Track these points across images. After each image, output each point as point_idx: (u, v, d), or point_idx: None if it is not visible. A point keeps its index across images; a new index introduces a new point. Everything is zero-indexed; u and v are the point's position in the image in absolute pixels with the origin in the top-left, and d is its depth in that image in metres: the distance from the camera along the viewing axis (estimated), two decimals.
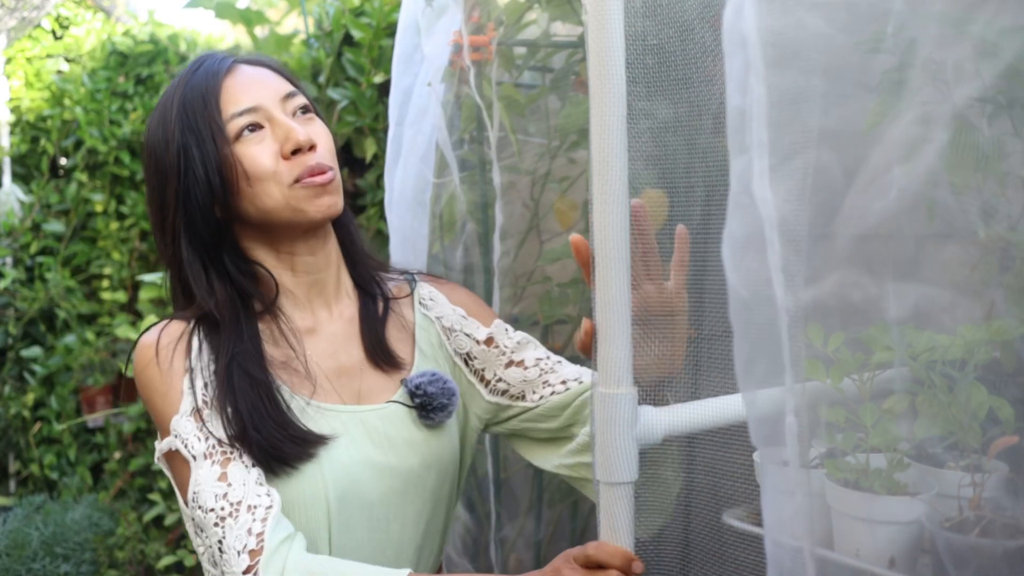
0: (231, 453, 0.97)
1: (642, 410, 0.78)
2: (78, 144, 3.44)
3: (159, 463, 1.03)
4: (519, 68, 1.63)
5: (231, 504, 0.94)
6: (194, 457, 0.97)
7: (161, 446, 1.01)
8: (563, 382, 1.12)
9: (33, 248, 3.35)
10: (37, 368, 3.24)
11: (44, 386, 3.30)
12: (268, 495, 0.96)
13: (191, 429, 0.98)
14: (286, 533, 0.94)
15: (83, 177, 3.39)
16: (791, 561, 0.67)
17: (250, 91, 1.05)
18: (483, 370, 1.17)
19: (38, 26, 3.61)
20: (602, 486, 0.79)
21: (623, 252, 0.76)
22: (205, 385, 1.01)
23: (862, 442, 0.76)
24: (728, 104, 0.68)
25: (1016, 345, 0.71)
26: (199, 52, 3.45)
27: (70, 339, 3.23)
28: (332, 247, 1.12)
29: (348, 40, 2.25)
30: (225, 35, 3.84)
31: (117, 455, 3.13)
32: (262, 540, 0.92)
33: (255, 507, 0.94)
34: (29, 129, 3.55)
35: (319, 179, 1.03)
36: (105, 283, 3.40)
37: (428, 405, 1.08)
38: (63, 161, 3.51)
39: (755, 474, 0.77)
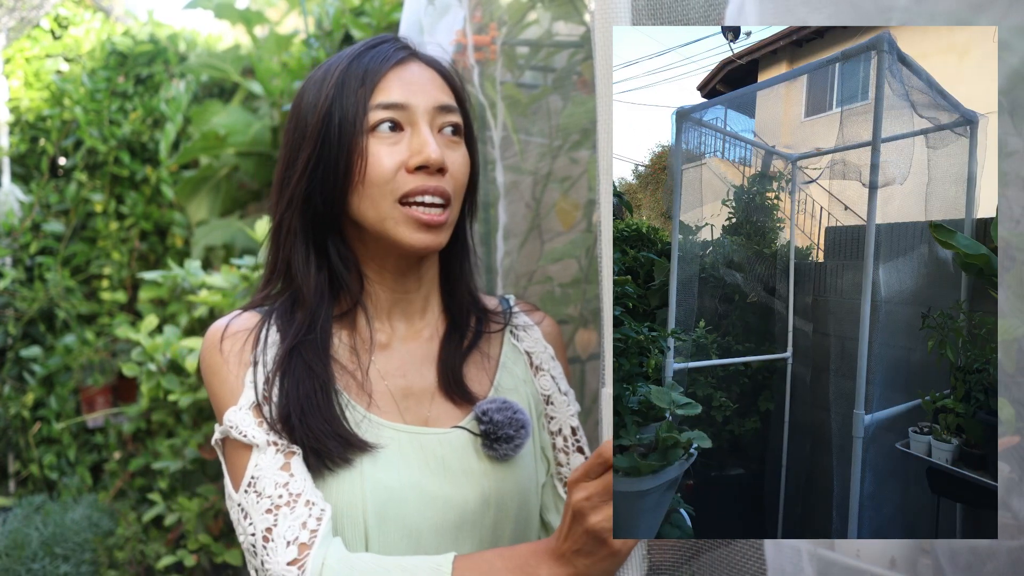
0: (296, 448, 0.95)
1: None
2: (78, 144, 3.44)
3: (215, 446, 1.02)
4: (520, 68, 1.63)
5: (291, 494, 0.92)
6: (257, 445, 0.95)
7: (217, 433, 1.00)
8: None
9: (33, 248, 3.35)
10: (37, 368, 3.23)
11: (44, 386, 3.30)
12: (324, 499, 0.94)
13: (249, 421, 0.96)
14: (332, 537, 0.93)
15: (83, 177, 3.39)
16: (791, 563, 0.67)
17: (408, 88, 1.00)
18: (551, 420, 1.12)
19: (37, 26, 3.61)
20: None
21: None
22: (266, 380, 0.98)
23: None
24: None
25: (1017, 345, 0.71)
26: (198, 52, 3.45)
27: (70, 339, 3.23)
28: (428, 272, 1.08)
29: (348, 40, 2.26)
30: (224, 35, 3.84)
31: (117, 455, 3.13)
32: (315, 537, 0.90)
33: (313, 503, 0.92)
34: (28, 129, 3.55)
35: (426, 216, 0.98)
36: (105, 283, 3.40)
37: (492, 434, 1.01)
38: (62, 161, 3.51)
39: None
